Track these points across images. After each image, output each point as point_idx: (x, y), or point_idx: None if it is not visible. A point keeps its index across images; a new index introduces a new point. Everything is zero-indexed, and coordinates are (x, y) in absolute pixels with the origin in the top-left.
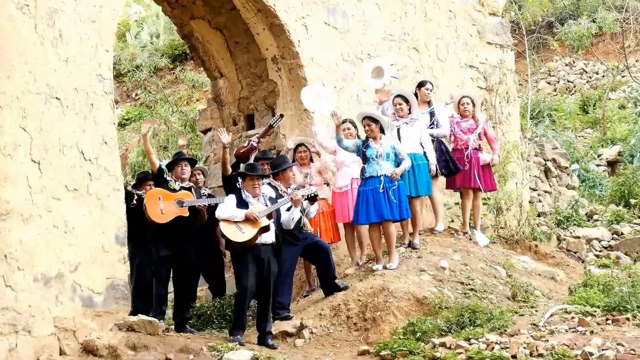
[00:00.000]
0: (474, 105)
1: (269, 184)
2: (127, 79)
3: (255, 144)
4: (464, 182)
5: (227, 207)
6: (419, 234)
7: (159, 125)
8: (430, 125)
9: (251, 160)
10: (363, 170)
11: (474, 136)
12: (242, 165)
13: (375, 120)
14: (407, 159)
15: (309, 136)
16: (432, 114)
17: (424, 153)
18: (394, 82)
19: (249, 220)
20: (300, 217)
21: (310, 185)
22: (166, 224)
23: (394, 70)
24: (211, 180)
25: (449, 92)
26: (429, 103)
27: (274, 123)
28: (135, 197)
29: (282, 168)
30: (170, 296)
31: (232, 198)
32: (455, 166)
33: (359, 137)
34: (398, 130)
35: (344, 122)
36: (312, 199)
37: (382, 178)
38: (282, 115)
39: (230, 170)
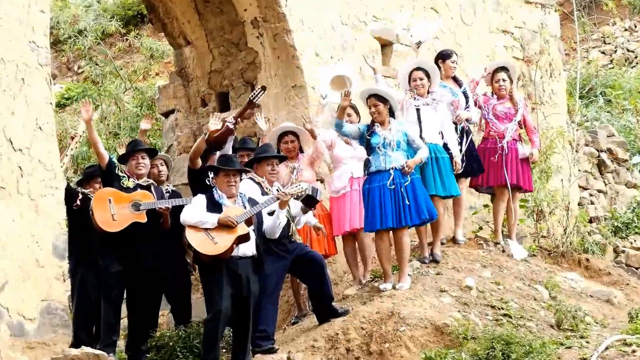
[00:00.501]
0: (511, 82)
1: (251, 179)
2: (67, 47)
3: (231, 126)
4: (498, 179)
5: (194, 210)
6: (442, 243)
7: (109, 105)
8: (465, 109)
9: (227, 149)
10: (367, 164)
11: (513, 125)
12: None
13: (383, 100)
14: (424, 147)
15: (299, 122)
16: (465, 95)
17: (444, 145)
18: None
19: (223, 226)
20: (288, 223)
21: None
22: (119, 233)
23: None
24: (175, 175)
25: (475, 64)
26: (455, 80)
27: (254, 98)
28: (80, 195)
29: (261, 157)
30: (123, 322)
31: (201, 198)
32: (479, 164)
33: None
34: (418, 112)
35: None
36: (309, 201)
37: (391, 172)
38: (264, 88)
39: (200, 162)
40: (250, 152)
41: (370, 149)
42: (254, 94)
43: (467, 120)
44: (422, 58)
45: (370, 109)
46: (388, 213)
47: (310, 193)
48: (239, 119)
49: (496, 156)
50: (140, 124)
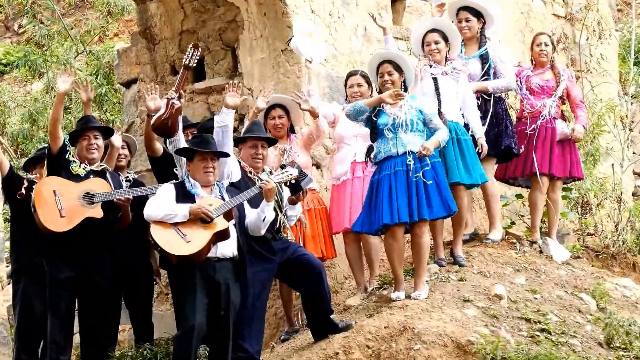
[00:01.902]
0: (554, 47)
1: (238, 161)
2: (5, 1)
3: (176, 103)
4: (533, 166)
5: (161, 202)
6: (466, 242)
7: (56, 73)
8: (482, 76)
9: (179, 129)
10: (370, 150)
11: (553, 101)
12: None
13: (399, 69)
14: (444, 127)
15: (290, 90)
16: (483, 59)
17: (465, 124)
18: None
19: (196, 221)
20: (277, 217)
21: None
22: (68, 232)
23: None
24: (138, 160)
25: (507, 23)
26: (479, 42)
27: (188, 61)
28: (25, 183)
29: (245, 137)
30: (75, 339)
31: (168, 188)
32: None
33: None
34: (435, 82)
35: (352, 74)
36: (294, 187)
37: (409, 156)
38: (196, 46)
39: (160, 148)
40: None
41: (376, 132)
42: (187, 56)
43: (480, 92)
44: (440, 18)
45: (383, 77)
46: (403, 205)
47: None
48: (180, 91)
49: (540, 140)
50: (80, 93)
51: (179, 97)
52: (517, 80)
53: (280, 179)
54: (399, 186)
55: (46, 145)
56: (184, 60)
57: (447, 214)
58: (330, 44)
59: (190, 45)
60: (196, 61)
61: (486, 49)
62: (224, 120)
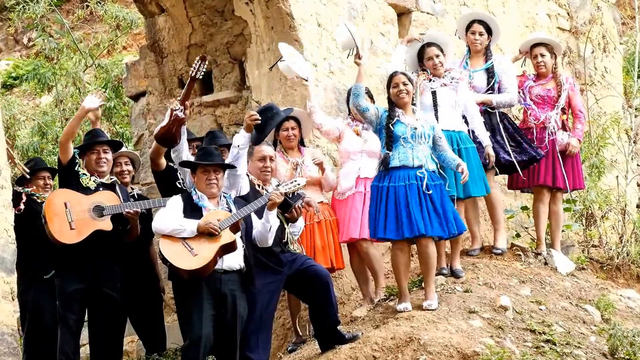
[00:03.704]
0: (555, 57)
1: (247, 175)
2: (15, 15)
3: (180, 114)
4: (539, 177)
5: (169, 216)
6: (472, 254)
7: (65, 86)
8: (487, 89)
9: (182, 140)
10: (386, 158)
11: (556, 113)
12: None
13: (409, 79)
14: (449, 149)
15: (298, 105)
16: (489, 72)
17: (470, 131)
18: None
19: (203, 234)
20: (283, 229)
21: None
22: (78, 244)
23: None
24: (147, 172)
25: (512, 37)
26: (485, 55)
27: (195, 73)
28: (23, 198)
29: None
30: (85, 351)
31: (176, 201)
32: (534, 154)
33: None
34: (434, 95)
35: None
36: (285, 208)
37: (424, 171)
38: (203, 58)
39: (163, 163)
40: (224, 148)
41: (391, 140)
42: (194, 67)
43: (484, 105)
44: (432, 32)
45: (398, 86)
46: (418, 219)
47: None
48: (186, 102)
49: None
50: (84, 100)
51: (184, 109)
52: (519, 91)
53: (289, 189)
54: (412, 204)
55: (32, 157)
56: (190, 71)
57: (450, 236)
58: (337, 57)
59: (198, 57)
60: (203, 73)
61: (492, 62)
62: (240, 142)
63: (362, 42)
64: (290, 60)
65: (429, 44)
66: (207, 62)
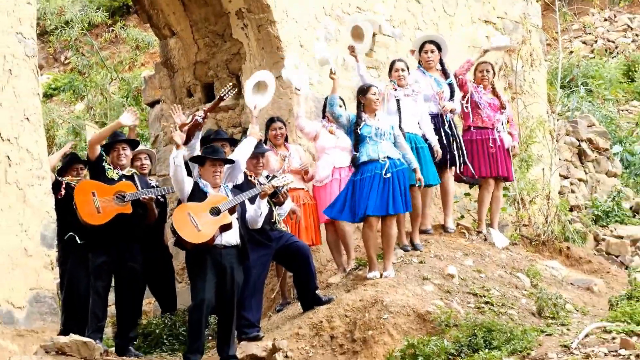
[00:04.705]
0: (494, 74)
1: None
2: (54, 38)
3: (200, 120)
4: (491, 169)
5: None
6: (427, 232)
7: (95, 96)
8: (450, 100)
9: (196, 140)
10: (354, 158)
11: (504, 117)
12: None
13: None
14: (409, 149)
15: (283, 111)
16: (451, 87)
17: (422, 135)
18: (387, 42)
19: (206, 213)
20: (272, 212)
21: (287, 171)
22: (104, 225)
23: (388, 27)
24: (161, 166)
25: (458, 54)
26: (444, 72)
27: (224, 94)
28: (63, 185)
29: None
30: (111, 311)
31: (191, 181)
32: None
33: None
34: (398, 102)
35: (366, 90)
36: (273, 195)
37: (386, 160)
38: (234, 86)
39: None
40: (226, 142)
41: (359, 140)
42: (225, 90)
43: (451, 111)
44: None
45: (374, 95)
46: (381, 200)
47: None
48: (208, 113)
49: (491, 145)
50: (122, 116)
51: (204, 117)
52: (476, 95)
53: (279, 183)
54: (381, 188)
55: (70, 152)
56: (221, 92)
57: (407, 211)
58: (316, 72)
59: (232, 83)
60: (230, 96)
61: (451, 81)
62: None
63: (336, 60)
64: (291, 72)
65: (399, 60)
66: (235, 90)
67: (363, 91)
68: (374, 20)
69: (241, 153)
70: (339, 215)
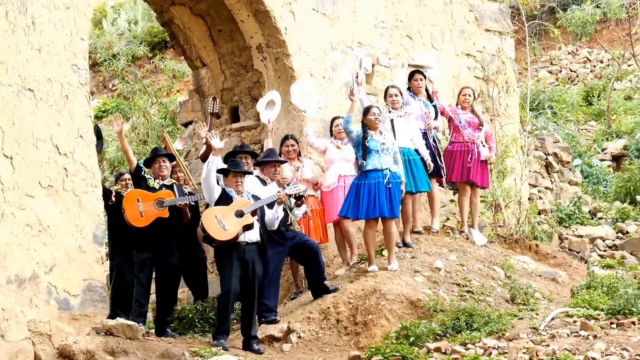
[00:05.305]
0: (474, 98)
1: (257, 176)
2: (103, 68)
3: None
4: (469, 176)
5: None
6: (417, 232)
7: (138, 118)
8: (434, 118)
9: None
10: (362, 165)
11: (482, 134)
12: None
13: (380, 111)
14: (401, 165)
15: (296, 131)
16: (436, 108)
17: (415, 150)
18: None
19: (231, 215)
20: (287, 215)
21: (300, 181)
22: (147, 227)
23: (384, 59)
24: (193, 175)
25: (444, 82)
26: (429, 97)
27: (212, 109)
28: (114, 193)
29: (265, 161)
30: (152, 299)
31: (220, 189)
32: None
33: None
34: (392, 122)
35: (366, 112)
36: (298, 198)
37: (387, 172)
38: (215, 98)
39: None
40: (249, 155)
41: (366, 152)
42: (211, 105)
43: (435, 128)
44: (397, 78)
45: (372, 116)
46: (383, 205)
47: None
48: (210, 132)
49: (469, 158)
50: (175, 143)
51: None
52: (455, 117)
53: (292, 191)
54: (379, 195)
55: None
56: (208, 108)
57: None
58: (322, 97)
59: (212, 97)
60: (217, 108)
61: (435, 103)
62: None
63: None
64: (296, 97)
65: (392, 87)
66: (217, 100)
67: (364, 112)
68: (373, 53)
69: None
70: (344, 214)
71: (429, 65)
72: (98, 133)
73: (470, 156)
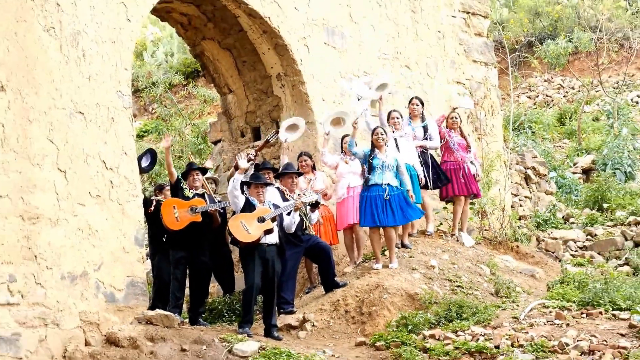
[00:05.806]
0: (461, 120)
1: (277, 188)
2: (144, 94)
3: (252, 157)
4: (463, 190)
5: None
6: (413, 235)
7: (174, 137)
8: (424, 138)
9: (250, 172)
10: (367, 180)
11: (471, 155)
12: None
13: (385, 131)
14: (407, 175)
15: (310, 147)
16: (425, 128)
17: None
18: (388, 97)
19: (254, 221)
20: (302, 221)
21: (313, 190)
22: (181, 230)
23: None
24: (221, 187)
25: (437, 106)
26: (422, 117)
27: (270, 138)
28: (154, 202)
29: (283, 173)
30: (186, 292)
31: (243, 198)
32: (446, 177)
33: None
34: (395, 141)
35: (372, 132)
36: (314, 205)
37: (386, 187)
38: (277, 132)
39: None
40: (270, 170)
41: (371, 168)
42: (270, 135)
43: (422, 147)
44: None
45: (376, 136)
46: (380, 215)
47: (317, 200)
48: (258, 151)
49: (460, 174)
50: (206, 162)
51: (256, 155)
52: (450, 139)
53: (307, 199)
54: (379, 205)
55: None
56: (267, 136)
57: (407, 221)
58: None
59: (276, 130)
60: (274, 139)
61: (426, 123)
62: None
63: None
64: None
65: (394, 110)
66: (278, 135)
67: (371, 133)
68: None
69: (232, 184)
70: (364, 223)
71: (469, 107)
72: (153, 156)
73: (461, 173)
